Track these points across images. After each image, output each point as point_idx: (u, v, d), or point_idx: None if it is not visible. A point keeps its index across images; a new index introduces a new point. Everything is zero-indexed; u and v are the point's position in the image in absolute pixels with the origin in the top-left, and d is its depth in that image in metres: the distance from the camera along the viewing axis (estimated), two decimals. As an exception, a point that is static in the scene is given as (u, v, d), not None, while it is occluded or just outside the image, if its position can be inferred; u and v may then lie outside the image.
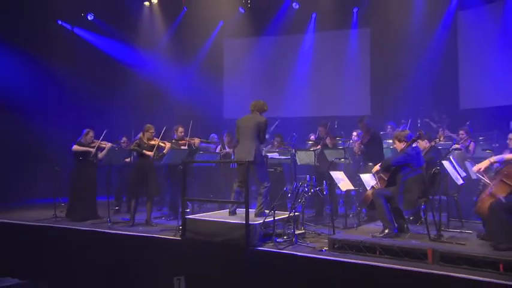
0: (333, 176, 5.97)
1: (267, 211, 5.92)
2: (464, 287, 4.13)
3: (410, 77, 11.44)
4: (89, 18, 12.25)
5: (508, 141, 5.98)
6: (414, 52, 11.63)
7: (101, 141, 8.00)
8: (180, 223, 6.73)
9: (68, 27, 12.17)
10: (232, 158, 8.41)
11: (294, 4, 12.76)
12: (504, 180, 4.74)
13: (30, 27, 10.88)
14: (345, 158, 6.87)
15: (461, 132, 8.41)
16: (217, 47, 14.04)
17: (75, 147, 7.75)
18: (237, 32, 13.73)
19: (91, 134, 7.96)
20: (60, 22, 11.95)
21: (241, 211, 6.41)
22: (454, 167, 5.96)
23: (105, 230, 6.76)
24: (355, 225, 6.39)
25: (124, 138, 9.37)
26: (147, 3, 12.91)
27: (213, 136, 9.52)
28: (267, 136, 7.39)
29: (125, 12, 12.61)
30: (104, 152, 8.01)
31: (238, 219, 6.00)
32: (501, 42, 10.63)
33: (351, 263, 4.86)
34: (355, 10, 12.66)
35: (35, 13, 10.81)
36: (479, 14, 11.11)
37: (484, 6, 10.96)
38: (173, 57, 13.31)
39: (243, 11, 13.08)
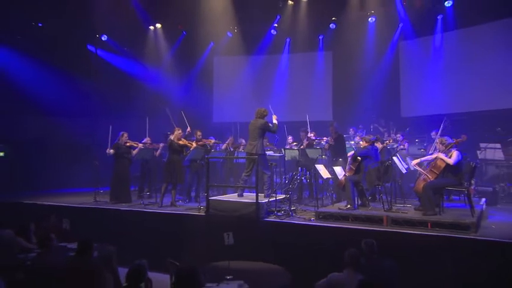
0: (317, 168, 7.41)
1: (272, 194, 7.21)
2: (407, 238, 5.62)
3: (363, 90, 12.35)
4: (103, 39, 12.83)
5: (436, 145, 7.46)
6: (366, 71, 12.55)
7: (133, 141, 8.94)
8: (197, 204, 7.98)
9: (93, 49, 12.82)
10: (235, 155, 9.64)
11: (272, 30, 13.40)
12: (432, 169, 6.36)
13: (66, 50, 11.68)
14: (325, 155, 8.38)
15: (398, 135, 9.75)
16: (208, 64, 14.59)
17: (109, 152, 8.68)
18: (224, 52, 14.30)
19: (125, 135, 8.87)
20: (88, 46, 12.66)
21: (246, 194, 7.69)
22: (400, 161, 7.44)
23: (150, 210, 7.82)
24: (329, 203, 7.85)
25: (147, 139, 9.76)
26: (152, 27, 13.39)
27: (211, 138, 10.05)
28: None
29: (134, 35, 13.22)
30: (136, 150, 8.95)
31: (247, 199, 7.17)
32: (430, 66, 11.88)
33: (332, 227, 6.25)
34: (320, 37, 13.43)
35: (69, 39, 11.67)
36: (415, 44, 12.34)
37: (418, 39, 12.18)
38: (173, 71, 13.88)
39: (231, 35, 13.75)
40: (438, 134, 8.55)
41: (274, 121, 7.48)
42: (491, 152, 9.02)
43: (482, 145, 9.21)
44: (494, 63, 10.48)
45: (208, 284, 4.41)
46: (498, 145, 8.93)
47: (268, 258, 5.74)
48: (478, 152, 9.25)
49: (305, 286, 4.70)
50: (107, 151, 8.75)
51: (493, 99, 10.39)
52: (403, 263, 4.79)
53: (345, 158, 8.22)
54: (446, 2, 10.98)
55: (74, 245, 6.08)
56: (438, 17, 11.51)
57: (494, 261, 4.92)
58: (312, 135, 9.46)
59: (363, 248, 4.76)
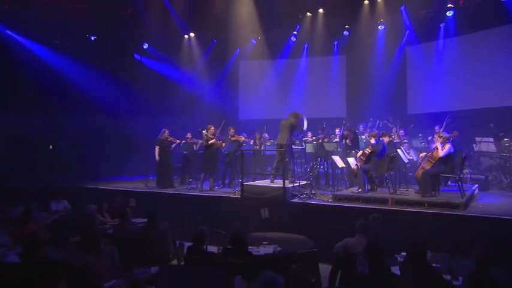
0: (334, 159, 8.36)
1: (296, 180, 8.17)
2: (407, 215, 6.49)
3: (373, 90, 12.89)
4: (144, 47, 13.82)
5: (434, 138, 8.26)
6: (377, 73, 13.08)
7: (173, 137, 9.95)
8: (232, 189, 8.97)
9: (138, 57, 13.93)
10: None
11: (292, 37, 13.99)
12: (429, 160, 7.26)
13: (117, 59, 12.84)
14: (340, 148, 9.32)
15: (400, 131, 10.36)
16: (235, 67, 15.42)
17: (156, 150, 9.69)
18: (249, 57, 15.02)
19: (167, 132, 9.84)
20: (135, 54, 13.75)
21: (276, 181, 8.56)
22: (403, 153, 8.28)
23: (193, 193, 8.88)
24: (344, 188, 8.76)
25: (189, 134, 10.62)
26: (186, 36, 14.26)
27: (243, 134, 10.76)
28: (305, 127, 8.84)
29: (171, 43, 14.13)
30: (175, 145, 10.01)
31: (275, 184, 8.13)
32: (434, 69, 12.42)
33: (346, 206, 7.15)
34: (335, 43, 13.99)
35: (119, 49, 12.83)
36: (420, 49, 12.91)
37: (423, 44, 12.75)
38: (205, 75, 14.69)
39: (255, 42, 14.41)
40: (442, 128, 9.38)
41: (305, 126, 8.49)
42: (485, 145, 9.72)
43: (477, 139, 9.90)
44: (488, 66, 11.07)
45: (249, 247, 5.42)
46: (491, 139, 9.63)
47: (294, 231, 6.50)
48: (474, 145, 9.97)
49: (325, 250, 5.65)
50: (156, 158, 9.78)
51: (488, 98, 10.98)
52: (402, 231, 5.72)
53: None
54: (447, 12, 11.60)
55: (137, 220, 7.21)
56: (441, 25, 12.07)
57: (478, 230, 5.86)
58: (337, 131, 10.39)
59: (370, 221, 5.73)
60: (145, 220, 6.77)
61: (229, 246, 4.96)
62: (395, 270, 4.41)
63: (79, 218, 6.72)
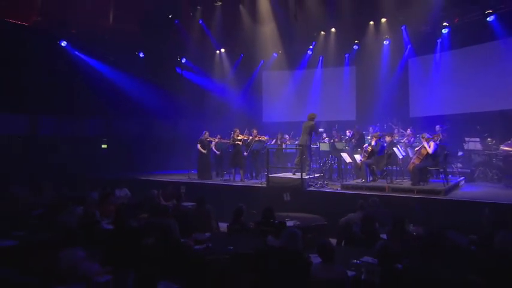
0: (343, 155, 9.62)
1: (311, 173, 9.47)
2: (401, 200, 7.62)
3: (380, 96, 13.80)
4: (183, 61, 15.35)
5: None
6: (382, 81, 14.04)
7: (211, 137, 11.35)
8: (258, 181, 10.30)
9: (179, 71, 15.37)
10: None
11: (308, 51, 15.19)
12: (418, 156, 8.44)
13: (161, 72, 14.32)
14: (348, 147, 10.57)
15: (408, 130, 11.39)
16: (259, 77, 16.66)
17: (199, 147, 11.07)
18: (272, 68, 16.21)
19: (207, 133, 11.21)
20: (176, 68, 15.23)
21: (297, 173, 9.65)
22: (399, 150, 9.28)
23: (227, 183, 10.20)
24: (351, 180, 10.00)
25: (218, 136, 11.72)
26: (218, 51, 15.62)
27: (266, 136, 11.74)
28: (321, 129, 9.86)
29: (205, 57, 15.51)
30: (213, 143, 11.51)
31: (295, 176, 9.33)
32: (432, 78, 13.33)
33: (352, 193, 8.30)
34: (346, 55, 14.96)
35: (163, 63, 14.30)
36: (420, 61, 13.82)
37: (422, 57, 13.70)
38: (234, 84, 15.95)
39: (276, 55, 15.61)
40: (441, 128, 10.46)
41: (320, 130, 9.60)
42: (473, 144, 10.72)
43: (466, 139, 10.90)
44: (477, 76, 12.02)
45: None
46: (477, 139, 10.65)
47: (310, 212, 7.77)
48: (464, 144, 10.96)
49: (334, 227, 6.86)
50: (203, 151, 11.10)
51: (475, 104, 11.93)
52: (394, 211, 6.96)
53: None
54: (443, 30, 12.60)
55: (185, 203, 8.59)
56: (437, 41, 13.03)
57: (456, 211, 7.06)
58: (348, 132, 11.43)
59: (370, 202, 6.98)
60: (192, 204, 8.09)
61: (260, 220, 6.34)
62: (384, 236, 5.70)
63: (143, 200, 8.21)
